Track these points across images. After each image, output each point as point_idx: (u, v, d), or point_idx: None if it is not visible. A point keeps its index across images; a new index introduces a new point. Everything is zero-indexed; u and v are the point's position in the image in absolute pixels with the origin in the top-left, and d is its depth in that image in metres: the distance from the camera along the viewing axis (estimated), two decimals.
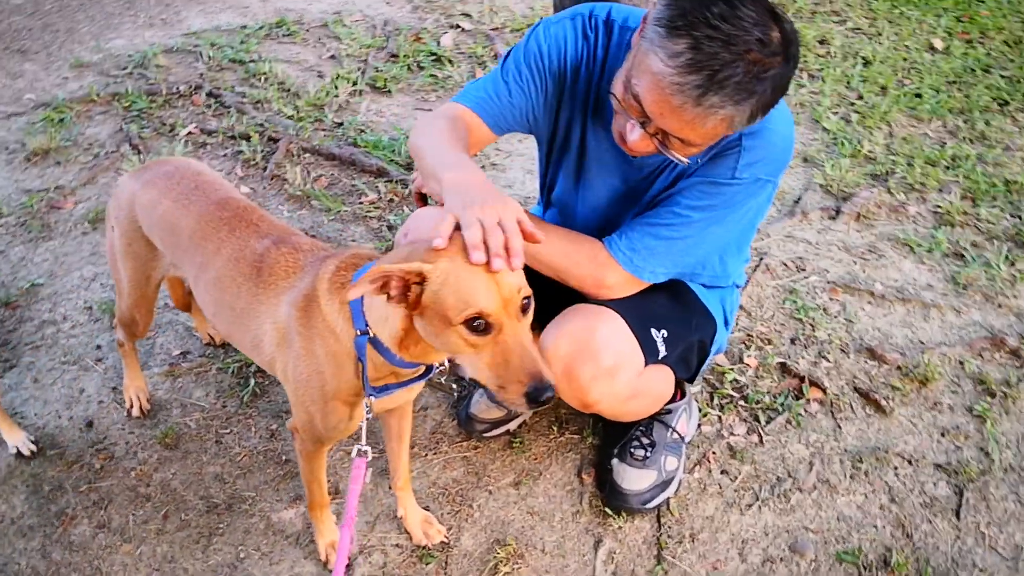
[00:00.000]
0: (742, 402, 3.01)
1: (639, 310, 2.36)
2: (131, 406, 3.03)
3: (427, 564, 2.59)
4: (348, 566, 2.58)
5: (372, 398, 2.01)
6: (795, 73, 1.96)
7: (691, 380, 2.73)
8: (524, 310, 1.73)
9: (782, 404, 2.99)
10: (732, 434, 2.92)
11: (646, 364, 2.37)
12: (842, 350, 3.20)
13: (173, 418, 3.02)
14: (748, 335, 3.23)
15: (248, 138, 4.25)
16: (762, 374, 3.10)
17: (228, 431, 2.98)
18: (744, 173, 2.12)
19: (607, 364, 2.28)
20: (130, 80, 4.77)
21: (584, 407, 2.37)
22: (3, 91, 4.75)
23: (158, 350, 3.29)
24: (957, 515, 2.68)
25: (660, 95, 1.87)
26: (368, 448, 2.02)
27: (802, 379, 3.06)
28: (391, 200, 3.89)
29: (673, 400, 2.78)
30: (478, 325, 1.67)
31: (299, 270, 2.16)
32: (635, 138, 2.01)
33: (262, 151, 4.20)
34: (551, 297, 2.41)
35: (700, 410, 2.97)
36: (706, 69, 1.81)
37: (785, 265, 3.56)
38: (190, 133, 4.32)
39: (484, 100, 2.32)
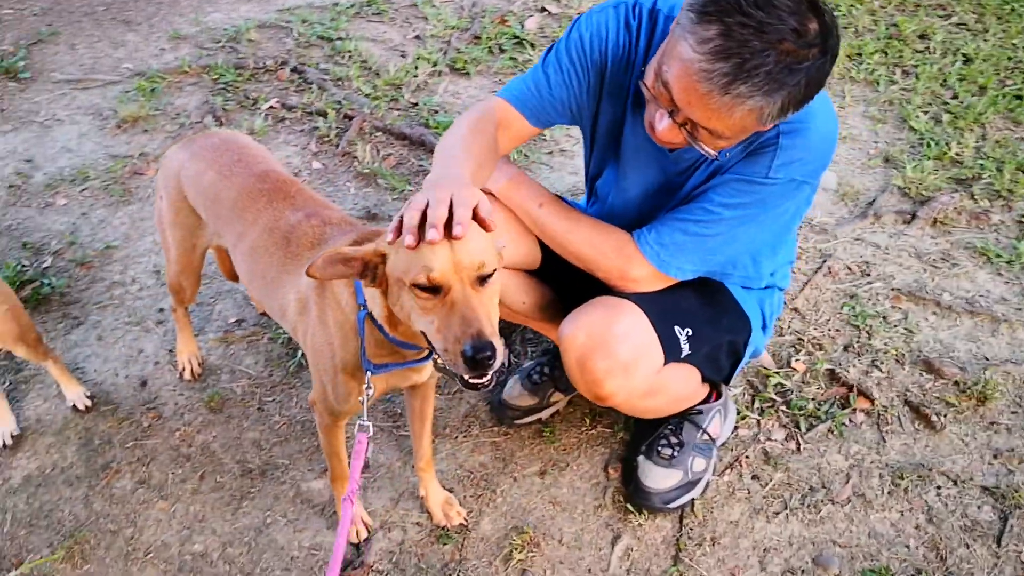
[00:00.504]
0: (784, 407, 2.92)
1: (663, 306, 2.31)
2: (183, 369, 3.15)
3: (444, 545, 2.61)
4: (367, 539, 2.63)
5: (370, 373, 2.04)
6: (833, 66, 1.86)
7: (725, 381, 2.66)
8: (481, 280, 1.73)
9: (826, 412, 2.89)
10: (769, 439, 2.84)
11: (666, 362, 2.33)
12: (897, 361, 3.06)
13: (221, 383, 3.13)
14: (799, 339, 3.13)
15: (324, 115, 4.33)
16: (809, 380, 3.00)
17: (271, 399, 3.07)
18: (779, 173, 2.05)
19: (623, 359, 2.24)
20: (221, 53, 4.92)
21: (598, 400, 2.34)
22: (104, 60, 4.96)
23: (215, 316, 3.40)
24: (999, 542, 2.55)
25: (688, 82, 1.82)
26: (369, 424, 2.04)
27: (850, 388, 2.95)
28: None
29: (707, 401, 2.72)
30: (426, 285, 1.70)
31: (323, 242, 2.20)
32: (663, 128, 1.96)
33: (336, 128, 4.28)
34: (581, 290, 2.40)
35: (739, 412, 2.89)
36: (735, 57, 1.75)
37: (849, 269, 3.43)
38: (271, 107, 4.43)
39: (524, 94, 2.32)
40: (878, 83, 4.54)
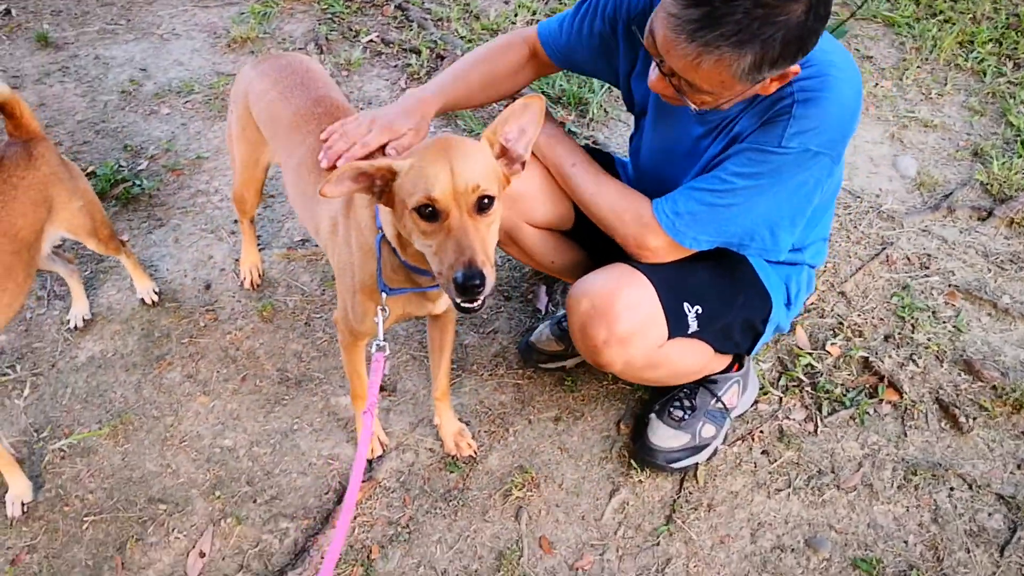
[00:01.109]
0: (809, 388, 2.90)
1: (675, 280, 2.32)
2: (244, 278, 3.35)
3: (451, 472, 2.74)
4: (381, 456, 2.78)
5: (385, 295, 2.16)
6: (821, 30, 1.85)
7: (747, 353, 2.67)
8: (480, 209, 1.84)
9: (851, 399, 2.86)
10: (788, 418, 2.84)
11: (671, 337, 2.35)
12: (937, 357, 2.99)
13: (276, 295, 3.32)
14: (840, 323, 3.09)
15: (418, 52, 4.44)
16: (840, 365, 2.96)
17: (319, 316, 3.24)
18: (792, 143, 2.03)
19: (622, 330, 2.28)
20: None
21: (598, 366, 2.40)
22: None
23: (283, 233, 3.59)
24: (1002, 551, 2.50)
25: (663, 29, 1.87)
26: (386, 344, 2.15)
27: (881, 378, 2.91)
28: None
29: (728, 370, 2.74)
30: (426, 211, 1.83)
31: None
32: (653, 77, 2.01)
33: (428, 67, 4.38)
34: (610, 253, 2.44)
35: (762, 387, 2.90)
36: (706, 4, 1.78)
37: (908, 259, 3.34)
38: (371, 41, 4.57)
39: (553, 36, 2.44)
40: (984, 73, 4.34)
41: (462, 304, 1.87)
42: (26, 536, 2.65)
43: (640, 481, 2.70)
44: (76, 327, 3.21)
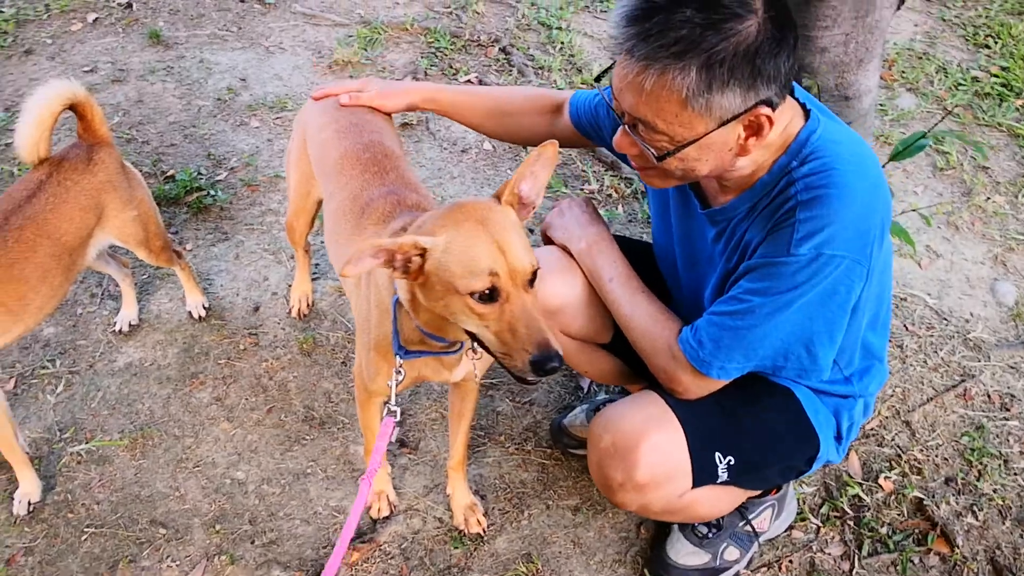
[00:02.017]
0: (852, 523, 2.68)
1: (709, 426, 2.14)
2: (292, 307, 3.31)
3: (455, 548, 2.61)
4: (387, 517, 2.68)
5: (399, 358, 2.07)
6: (787, 56, 1.72)
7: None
8: (531, 282, 1.81)
9: (896, 543, 2.63)
10: (823, 551, 2.62)
11: (695, 487, 2.18)
12: (1000, 512, 2.73)
13: (320, 329, 3.26)
14: (898, 455, 2.85)
15: None
16: (891, 503, 2.73)
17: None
18: (801, 249, 1.83)
19: (640, 477, 2.11)
20: (445, 19, 5.06)
21: (611, 502, 2.27)
22: (343, 2, 5.22)
23: None
24: None
25: (613, 58, 1.78)
26: (397, 409, 2.07)
27: (934, 525, 2.66)
28: (609, 195, 3.85)
29: (766, 494, 2.55)
30: (485, 295, 1.77)
31: (388, 221, 2.24)
32: (617, 135, 1.90)
33: None
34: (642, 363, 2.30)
35: (799, 512, 2.69)
36: (645, 18, 1.68)
37: (988, 397, 3.08)
38: (468, 80, 4.52)
39: (585, 98, 2.45)
40: None
41: (530, 380, 1.84)
42: (26, 537, 2.64)
43: None
44: (121, 331, 3.22)
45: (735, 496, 2.35)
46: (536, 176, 1.92)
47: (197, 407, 2.99)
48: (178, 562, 2.58)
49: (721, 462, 2.15)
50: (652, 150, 1.84)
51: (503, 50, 4.74)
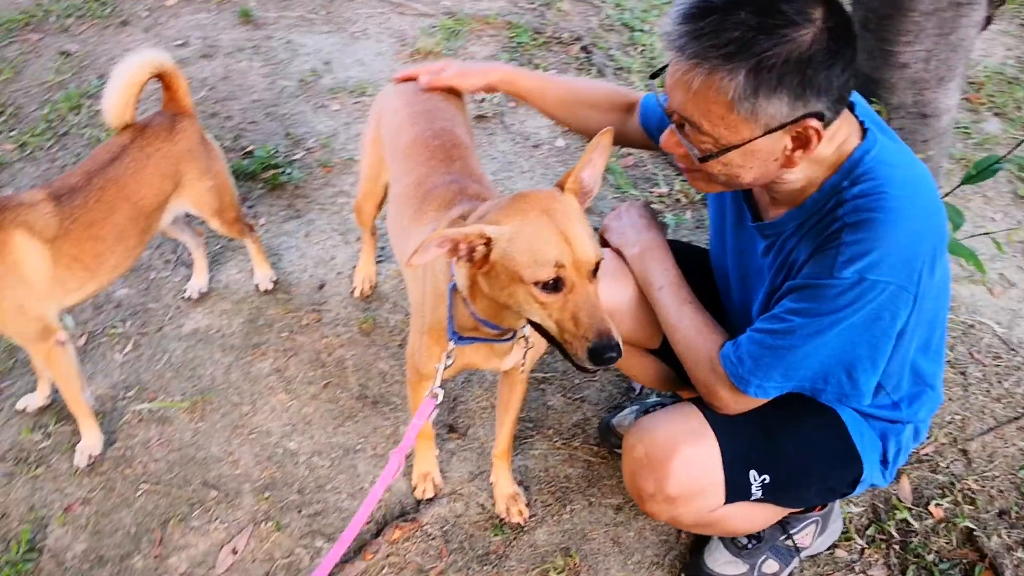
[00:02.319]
0: (898, 547, 2.63)
1: (747, 443, 2.12)
2: (355, 287, 3.37)
3: (495, 535, 2.64)
4: (431, 499, 2.72)
5: (451, 343, 2.11)
6: (837, 72, 1.69)
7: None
8: (595, 272, 1.84)
9: (942, 571, 2.57)
10: (865, 573, 2.58)
11: (728, 503, 2.16)
12: None
13: (381, 310, 3.32)
14: (952, 483, 2.79)
15: None
16: (940, 530, 2.67)
17: None
18: (844, 272, 1.80)
19: (672, 489, 2.10)
20: (529, 14, 5.09)
21: (643, 511, 2.27)
22: None
23: None
24: None
25: (666, 54, 1.77)
26: (440, 391, 2.10)
27: (983, 556, 2.60)
28: (678, 200, 3.83)
29: (810, 510, 2.52)
30: (550, 285, 1.81)
31: (448, 208, 2.27)
32: (664, 134, 1.89)
33: None
34: None
35: (845, 531, 2.65)
36: (700, 17, 1.68)
37: None
38: None
39: (653, 107, 2.42)
40: None
41: (589, 368, 1.87)
42: (84, 488, 2.75)
43: None
44: (191, 298, 3.33)
45: (772, 513, 2.33)
46: (594, 164, 1.95)
47: (257, 377, 3.08)
48: (226, 524, 2.66)
49: (756, 480, 2.14)
50: (696, 151, 1.83)
51: (584, 49, 4.75)
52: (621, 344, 1.82)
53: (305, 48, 4.73)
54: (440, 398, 2.10)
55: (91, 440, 2.80)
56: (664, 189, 3.89)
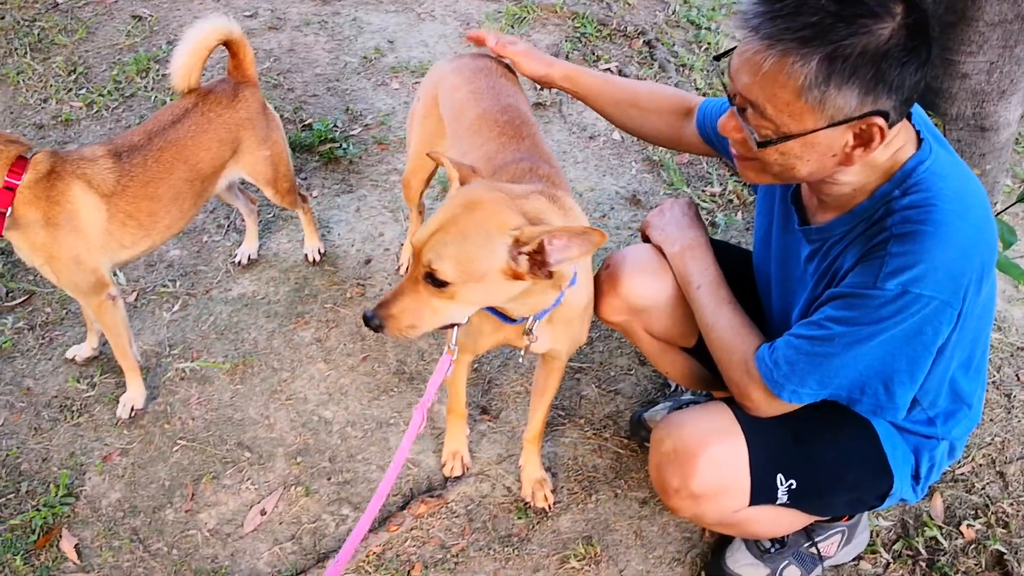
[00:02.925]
0: (924, 564, 2.60)
1: (776, 445, 2.11)
2: (401, 264, 3.41)
3: (518, 518, 2.66)
4: (459, 477, 2.75)
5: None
6: (911, 70, 1.65)
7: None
8: (434, 282, 1.85)
9: None
10: None
11: (752, 504, 2.15)
12: None
13: None
14: (986, 505, 2.75)
15: None
16: (970, 552, 2.63)
17: None
18: (888, 283, 1.77)
19: (697, 486, 2.10)
20: (596, 5, 5.07)
21: (667, 506, 2.27)
22: None
23: None
24: None
25: (738, 34, 1.76)
26: (456, 348, 2.12)
27: None
28: (730, 201, 3.81)
29: (837, 520, 2.49)
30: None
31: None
32: (723, 118, 1.85)
33: None
34: None
35: (871, 544, 2.62)
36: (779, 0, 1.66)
37: None
38: (608, 69, 4.53)
39: (714, 106, 2.40)
40: None
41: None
42: (124, 439, 2.82)
43: None
44: (240, 263, 3.39)
45: (797, 519, 2.31)
46: (569, 249, 1.82)
47: (298, 344, 3.13)
48: (257, 486, 2.72)
49: (782, 484, 2.12)
50: (756, 135, 1.79)
51: (648, 43, 4.73)
52: (387, 323, 1.90)
53: (371, 26, 4.77)
54: (455, 355, 2.12)
55: (134, 393, 2.87)
56: (717, 188, 3.86)
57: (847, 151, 1.75)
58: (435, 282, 1.84)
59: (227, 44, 2.82)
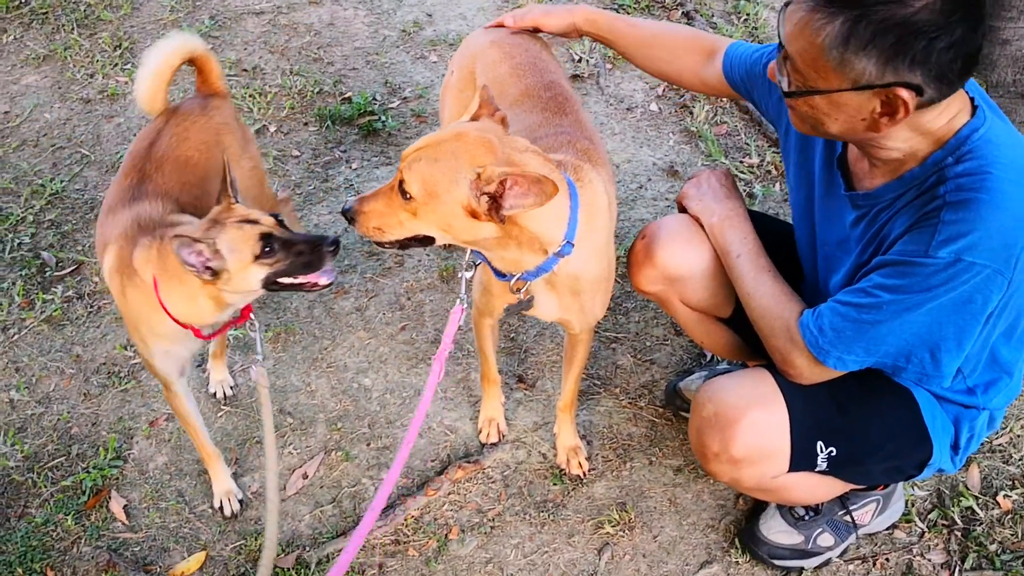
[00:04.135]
0: (959, 534, 2.60)
1: (816, 413, 2.12)
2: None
3: (554, 484, 2.71)
4: (495, 444, 2.79)
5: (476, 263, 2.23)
6: (941, 44, 1.63)
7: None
8: (403, 194, 1.95)
9: (1004, 562, 2.53)
10: (923, 556, 2.56)
11: (791, 471, 2.17)
12: None
13: (463, 259, 3.38)
14: (1023, 475, 2.74)
15: None
16: (1007, 522, 2.62)
17: None
18: (940, 251, 1.77)
19: (737, 451, 2.12)
20: None
21: (705, 470, 2.30)
22: None
23: None
24: None
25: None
26: (466, 297, 2.23)
27: None
28: (768, 171, 3.79)
29: (872, 489, 2.50)
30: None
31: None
32: (772, 62, 1.87)
33: None
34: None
35: (906, 513, 2.63)
36: None
37: None
38: None
39: (741, 53, 2.40)
40: None
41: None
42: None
43: (737, 563, 2.54)
44: None
45: (834, 486, 2.32)
46: (525, 199, 1.86)
47: (339, 314, 3.19)
48: (299, 451, 2.78)
49: (822, 452, 2.14)
50: (786, 83, 1.82)
51: (686, 14, 4.69)
52: (359, 225, 2.02)
53: (409, 0, 4.79)
54: (465, 303, 2.21)
55: (223, 485, 2.69)
56: (755, 160, 3.84)
57: (874, 117, 1.75)
58: (403, 193, 1.93)
59: (192, 60, 2.67)
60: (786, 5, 1.82)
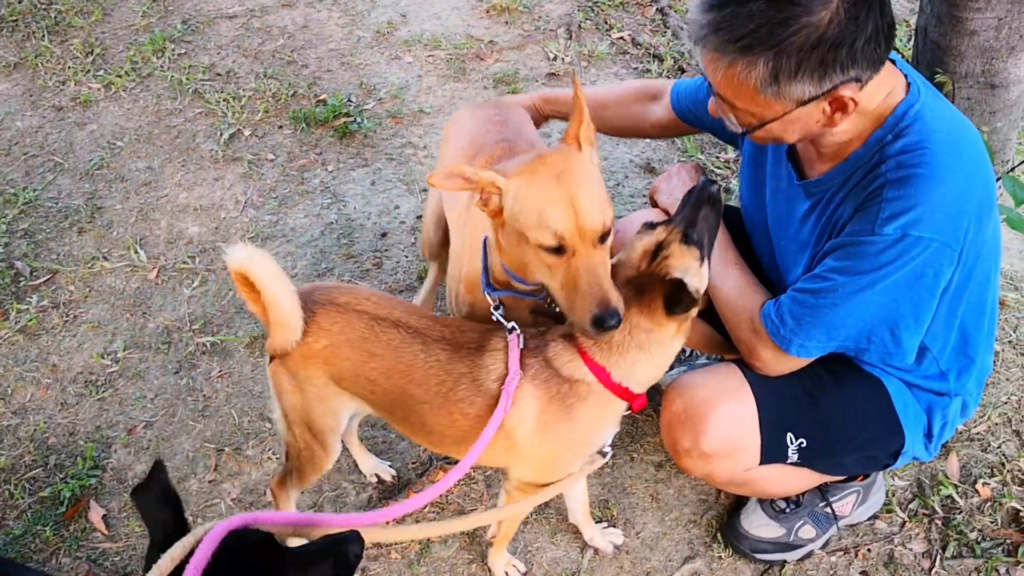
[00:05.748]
0: (939, 522, 2.61)
1: (785, 405, 2.14)
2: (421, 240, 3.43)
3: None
4: None
5: (486, 293, 2.14)
6: (864, 39, 1.69)
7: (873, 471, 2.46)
8: (602, 239, 1.85)
9: (984, 550, 2.55)
10: (904, 545, 2.57)
11: (763, 463, 2.19)
12: None
13: (442, 261, 3.38)
14: (1002, 463, 2.75)
15: (662, 60, 4.34)
16: (986, 510, 2.64)
17: None
18: (886, 228, 1.80)
19: (707, 446, 2.13)
20: None
21: (678, 466, 2.31)
22: None
23: None
24: None
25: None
26: (516, 327, 2.07)
27: None
28: None
29: (852, 480, 2.51)
30: (552, 247, 1.83)
31: (497, 163, 2.30)
32: (710, 103, 1.94)
33: (667, 76, 4.28)
34: None
35: (887, 503, 2.64)
36: (718, 8, 1.70)
37: None
38: (620, 38, 4.52)
39: (687, 88, 2.50)
40: None
41: (590, 334, 1.89)
42: (148, 412, 2.88)
43: (720, 557, 2.55)
44: (258, 236, 3.43)
45: (809, 478, 2.34)
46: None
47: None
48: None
49: (792, 443, 2.15)
50: (736, 126, 1.89)
51: (660, 11, 4.70)
52: (622, 311, 1.84)
53: (383, 0, 4.78)
54: (519, 331, 2.06)
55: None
56: (731, 155, 3.86)
57: (828, 116, 1.81)
58: (603, 238, 1.91)
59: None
60: (696, 43, 1.84)
